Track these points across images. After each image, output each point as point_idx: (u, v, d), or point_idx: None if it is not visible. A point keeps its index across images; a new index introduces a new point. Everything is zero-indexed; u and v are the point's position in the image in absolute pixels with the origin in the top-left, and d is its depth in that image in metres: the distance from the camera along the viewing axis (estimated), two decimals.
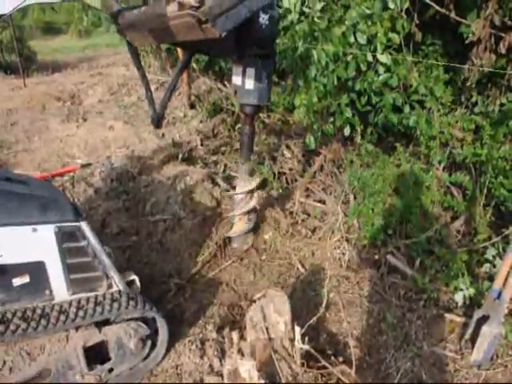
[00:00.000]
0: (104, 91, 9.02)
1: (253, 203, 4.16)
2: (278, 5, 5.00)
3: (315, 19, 4.80)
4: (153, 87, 8.74)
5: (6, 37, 11.80)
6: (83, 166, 5.76)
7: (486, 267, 4.04)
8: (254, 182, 4.11)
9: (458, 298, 3.69)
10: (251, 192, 4.16)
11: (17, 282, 2.70)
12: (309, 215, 5.03)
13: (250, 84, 3.47)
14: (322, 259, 4.36)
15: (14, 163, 5.94)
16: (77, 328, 2.86)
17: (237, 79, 3.54)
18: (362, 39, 4.56)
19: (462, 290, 3.69)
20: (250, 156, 4.07)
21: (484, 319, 3.28)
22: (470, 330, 3.39)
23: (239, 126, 6.71)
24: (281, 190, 5.43)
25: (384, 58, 4.60)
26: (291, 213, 4.94)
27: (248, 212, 4.23)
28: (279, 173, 5.70)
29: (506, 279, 3.19)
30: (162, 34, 2.92)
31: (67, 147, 6.39)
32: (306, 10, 4.85)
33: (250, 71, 3.42)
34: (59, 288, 2.84)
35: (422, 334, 3.54)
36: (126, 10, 3.25)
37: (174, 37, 2.83)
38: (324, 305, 3.35)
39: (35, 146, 6.44)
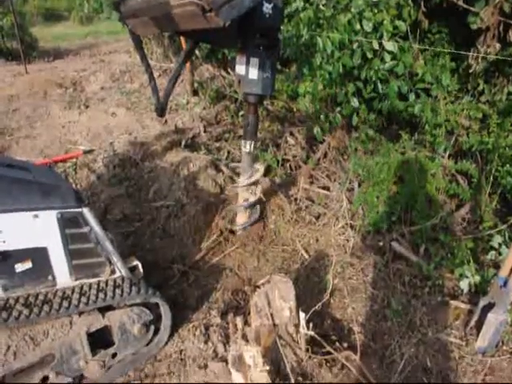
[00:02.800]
0: (106, 78, 8.92)
1: (257, 194, 4.12)
2: None
3: (320, 7, 4.71)
4: (155, 74, 8.66)
5: (7, 23, 11.64)
6: (86, 153, 5.72)
7: (492, 255, 4.02)
8: (258, 173, 4.07)
9: (464, 285, 3.66)
10: (255, 184, 4.13)
11: (19, 267, 2.69)
12: (313, 202, 4.99)
13: (253, 74, 3.42)
14: (326, 246, 4.33)
15: (16, 149, 5.90)
16: (80, 313, 2.85)
17: (240, 69, 3.49)
18: (368, 27, 4.49)
19: (467, 277, 3.67)
20: (255, 144, 4.03)
21: (489, 306, 3.26)
22: (475, 317, 3.38)
23: (242, 112, 6.66)
24: (285, 177, 5.40)
25: (390, 45, 4.53)
26: (295, 199, 4.90)
27: (252, 203, 4.21)
28: (283, 160, 5.68)
29: None
30: (165, 22, 2.88)
31: (69, 134, 6.34)
32: None
33: (254, 61, 3.37)
34: (62, 274, 2.83)
35: (427, 321, 3.54)
36: None
37: (177, 25, 2.80)
38: (329, 291, 3.32)
39: (37, 132, 6.38)
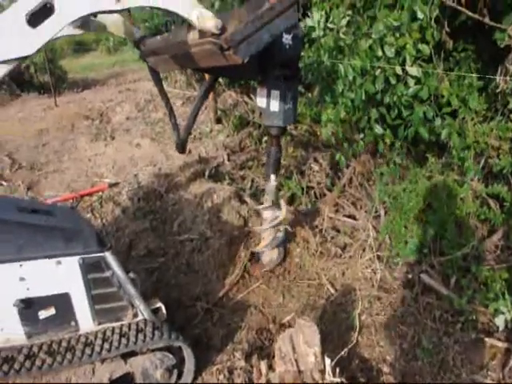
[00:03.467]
0: (131, 108, 9.13)
1: (280, 217, 4.06)
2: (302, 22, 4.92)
3: (341, 34, 4.67)
4: (179, 102, 8.83)
5: (40, 58, 12.13)
6: (111, 186, 5.81)
7: None
8: (283, 212, 4.01)
9: (499, 321, 3.47)
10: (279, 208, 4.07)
11: (43, 314, 2.71)
12: (338, 231, 4.89)
13: (274, 106, 3.37)
14: (353, 279, 4.22)
15: (44, 184, 6.04)
16: (102, 360, 2.83)
17: (261, 101, 3.45)
18: (390, 52, 4.40)
19: (502, 313, 3.48)
20: (278, 174, 3.98)
21: None
22: None
23: (266, 138, 6.64)
24: (309, 205, 5.33)
25: (414, 70, 4.42)
26: (320, 230, 4.81)
27: (276, 226, 4.14)
28: (307, 187, 5.60)
29: None
30: (185, 60, 2.89)
31: (96, 166, 6.47)
32: (331, 25, 4.73)
33: (275, 93, 3.32)
34: (84, 319, 2.84)
35: (460, 361, 3.36)
36: (148, 37, 3.24)
37: (196, 63, 2.80)
38: (357, 331, 3.21)
39: (65, 166, 6.54)
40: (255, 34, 2.38)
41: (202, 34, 2.43)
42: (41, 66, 12.34)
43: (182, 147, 3.90)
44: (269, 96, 3.38)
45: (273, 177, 3.90)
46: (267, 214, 4.05)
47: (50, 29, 2.00)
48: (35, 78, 12.69)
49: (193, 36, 2.57)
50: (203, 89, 4.01)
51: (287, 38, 3.01)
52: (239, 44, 2.31)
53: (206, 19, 2.31)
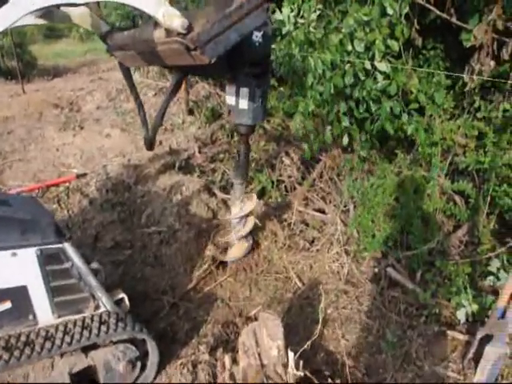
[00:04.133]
0: (102, 97, 8.91)
1: (249, 227, 4.05)
2: (271, 20, 4.89)
3: (311, 29, 4.66)
4: (151, 93, 8.68)
5: (8, 42, 11.69)
6: (79, 176, 5.67)
7: (490, 280, 3.91)
8: (250, 205, 3.99)
9: (460, 314, 3.55)
10: (247, 216, 4.05)
11: None
12: (307, 225, 4.91)
13: (243, 104, 3.33)
14: (320, 273, 4.24)
15: (9, 174, 5.85)
16: (62, 354, 2.76)
17: (231, 99, 3.41)
18: (360, 47, 4.41)
19: (464, 306, 3.56)
20: (246, 176, 3.95)
21: (488, 338, 3.15)
22: (472, 349, 3.26)
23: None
24: (279, 199, 5.32)
25: (383, 66, 4.45)
26: (289, 224, 4.81)
27: (243, 218, 4.12)
28: (278, 180, 5.59)
29: (510, 297, 3.06)
30: (151, 57, 2.82)
31: (63, 156, 6.30)
32: (301, 21, 4.71)
33: (244, 91, 3.29)
34: (43, 312, 2.76)
35: (423, 353, 3.43)
36: (114, 31, 3.16)
37: (163, 61, 2.74)
38: (320, 323, 3.22)
39: (31, 155, 6.34)
40: (223, 33, 2.32)
41: (169, 32, 2.37)
42: (8, 51, 11.92)
43: (149, 144, 3.84)
44: (238, 94, 3.34)
45: (241, 175, 3.88)
46: (235, 209, 4.03)
47: (3, 18, 1.89)
48: (2, 62, 12.24)
49: (159, 34, 2.50)
50: (171, 86, 3.94)
51: (257, 36, 2.96)
52: (206, 44, 2.25)
53: (172, 18, 2.23)
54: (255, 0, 2.45)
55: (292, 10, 4.89)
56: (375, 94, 4.67)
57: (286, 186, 5.62)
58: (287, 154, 6.16)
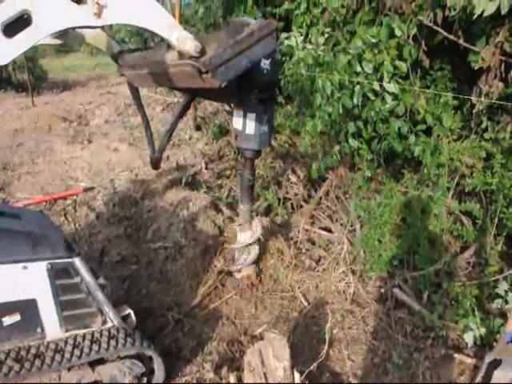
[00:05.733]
0: (111, 111, 9.02)
1: (255, 252, 4.05)
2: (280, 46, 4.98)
3: (319, 52, 4.72)
4: (159, 108, 8.77)
5: (20, 56, 11.90)
6: (86, 190, 5.71)
7: (498, 303, 3.87)
8: (257, 231, 3.99)
9: (468, 338, 3.52)
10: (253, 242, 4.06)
11: (7, 320, 2.62)
12: (313, 244, 4.90)
13: (250, 129, 3.35)
14: (326, 292, 4.22)
15: (17, 186, 5.90)
16: (69, 368, 2.75)
17: (237, 123, 3.43)
18: (368, 68, 4.46)
19: (471, 329, 3.53)
20: (252, 200, 3.96)
21: (496, 363, 3.11)
22: (481, 374, 3.21)
23: None
24: (285, 217, 5.32)
25: (391, 87, 4.49)
26: (295, 242, 4.81)
27: (249, 245, 4.12)
28: (284, 198, 5.60)
29: None
30: (162, 78, 2.88)
31: (71, 170, 6.35)
32: (309, 46, 4.78)
33: (251, 116, 3.31)
34: (51, 325, 2.77)
35: (430, 376, 3.39)
36: (126, 52, 3.23)
37: (173, 83, 2.80)
38: (327, 344, 3.19)
39: (39, 168, 6.41)
40: (234, 58, 2.39)
41: (181, 54, 2.43)
42: (20, 65, 12.10)
43: (155, 163, 3.88)
44: (245, 118, 3.36)
45: (245, 203, 3.90)
46: (240, 236, 4.04)
47: (25, 40, 1.92)
48: (13, 76, 12.44)
49: (172, 56, 2.56)
50: (180, 108, 3.99)
51: (265, 63, 3.02)
52: (218, 68, 2.32)
53: (185, 41, 2.30)
54: (266, 28, 2.53)
55: (301, 34, 4.97)
56: (384, 115, 4.70)
57: (292, 204, 5.63)
58: (294, 171, 6.19)
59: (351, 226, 4.89)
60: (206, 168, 6.43)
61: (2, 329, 2.62)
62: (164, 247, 4.61)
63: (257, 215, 4.91)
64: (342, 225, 5.02)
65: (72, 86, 13.34)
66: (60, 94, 11.64)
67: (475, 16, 3.93)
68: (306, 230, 5.03)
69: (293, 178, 6.04)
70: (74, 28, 2.28)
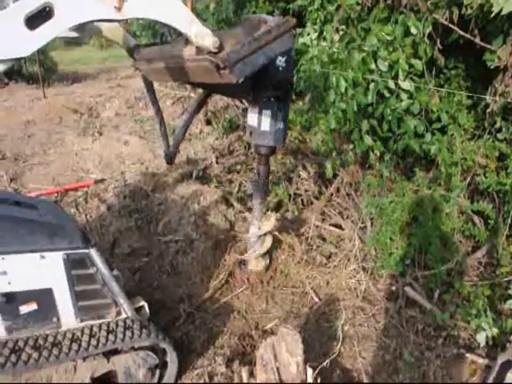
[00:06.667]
0: (121, 104, 9.05)
1: (266, 246, 4.05)
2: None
3: (333, 49, 4.70)
4: (169, 102, 8.77)
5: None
6: (97, 182, 5.73)
7: (510, 304, 3.85)
8: (269, 224, 4.00)
9: (480, 338, 3.50)
10: (265, 234, 4.06)
11: (24, 309, 2.65)
12: (324, 240, 4.90)
13: (265, 125, 3.38)
14: (337, 289, 4.22)
15: (28, 176, 5.92)
16: (84, 358, 2.77)
17: (252, 120, 3.46)
18: (383, 66, 4.43)
19: (484, 329, 3.51)
20: (266, 197, 3.97)
21: (509, 364, 3.10)
22: (493, 375, 3.20)
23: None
24: (296, 213, 5.32)
25: (407, 85, 4.46)
26: (306, 238, 4.81)
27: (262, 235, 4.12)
28: (295, 194, 5.60)
29: None
30: (179, 73, 2.89)
31: (82, 161, 6.37)
32: (324, 44, 4.77)
33: (266, 113, 3.34)
34: (67, 315, 2.78)
35: (441, 376, 3.37)
36: (142, 46, 3.24)
37: (190, 78, 2.82)
38: (340, 342, 3.20)
39: (50, 159, 6.43)
40: (251, 55, 2.42)
41: (199, 50, 2.45)
42: (31, 57, 12.13)
43: (170, 159, 3.90)
44: (260, 115, 3.38)
45: (259, 199, 3.91)
46: (253, 228, 4.05)
47: (47, 33, 1.94)
48: (24, 67, 12.49)
49: (189, 51, 2.59)
50: (196, 103, 4.00)
51: (281, 61, 3.04)
52: (235, 64, 2.34)
53: (204, 36, 2.33)
54: (283, 26, 2.55)
55: (315, 31, 4.95)
56: (399, 113, 4.68)
57: (302, 200, 5.62)
58: (304, 167, 6.18)
59: (362, 223, 4.88)
60: (217, 162, 6.43)
61: (19, 317, 2.64)
62: (175, 240, 4.62)
63: (267, 210, 4.91)
64: (352, 222, 5.01)
65: (82, 78, 13.39)
66: (70, 87, 11.68)
67: (493, 15, 3.89)
68: (317, 227, 5.03)
69: (303, 174, 6.03)
70: (94, 21, 2.28)
